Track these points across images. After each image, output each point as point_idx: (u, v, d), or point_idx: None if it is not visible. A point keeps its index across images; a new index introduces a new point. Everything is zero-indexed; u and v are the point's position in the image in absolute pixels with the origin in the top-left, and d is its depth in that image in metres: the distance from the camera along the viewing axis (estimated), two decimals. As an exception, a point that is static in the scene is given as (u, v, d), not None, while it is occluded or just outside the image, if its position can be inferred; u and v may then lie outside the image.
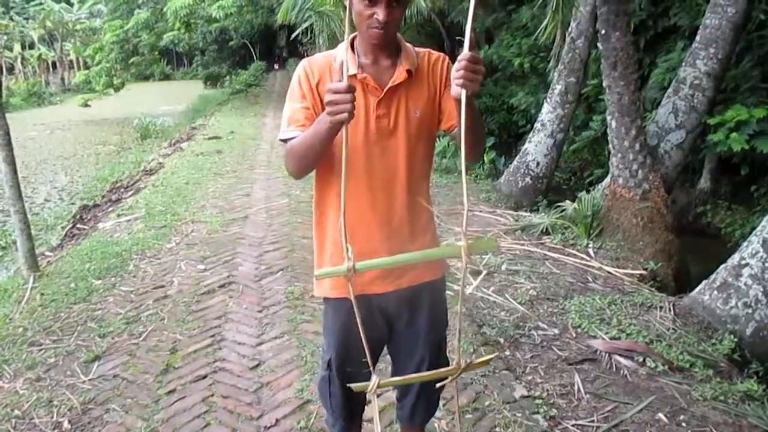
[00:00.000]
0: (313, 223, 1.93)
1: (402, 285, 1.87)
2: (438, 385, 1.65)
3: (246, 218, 6.27)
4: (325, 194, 1.85)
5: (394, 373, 2.09)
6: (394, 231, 1.82)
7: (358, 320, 1.47)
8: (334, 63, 1.79)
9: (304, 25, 13.57)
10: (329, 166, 1.79)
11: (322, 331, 2.01)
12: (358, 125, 1.76)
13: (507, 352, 3.50)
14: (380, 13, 1.66)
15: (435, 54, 1.87)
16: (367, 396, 1.59)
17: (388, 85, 1.78)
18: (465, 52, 1.49)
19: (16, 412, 2.95)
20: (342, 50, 1.76)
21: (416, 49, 1.85)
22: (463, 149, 1.49)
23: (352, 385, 1.59)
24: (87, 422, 2.86)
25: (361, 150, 1.77)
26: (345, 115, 1.47)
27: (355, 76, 1.75)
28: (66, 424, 2.85)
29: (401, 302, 1.90)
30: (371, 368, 1.57)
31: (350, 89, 1.48)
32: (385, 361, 2.35)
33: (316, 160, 1.74)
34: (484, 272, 3.14)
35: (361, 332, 1.49)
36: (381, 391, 1.62)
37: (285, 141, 1.78)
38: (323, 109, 1.57)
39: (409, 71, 1.79)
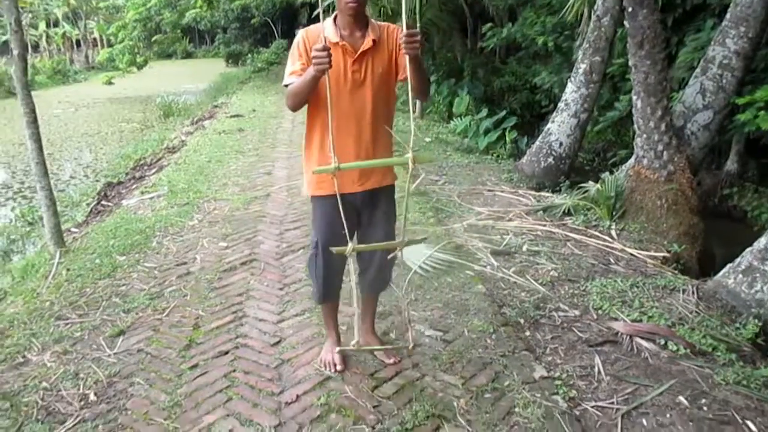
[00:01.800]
0: (303, 143, 2.77)
1: (366, 187, 2.74)
2: (389, 256, 2.72)
3: (267, 196, 6.29)
4: (314, 124, 2.68)
5: (359, 254, 2.87)
6: (362, 148, 2.65)
7: (342, 211, 2.45)
8: (323, 32, 2.48)
9: (326, 3, 13.47)
10: (316, 104, 2.60)
11: (311, 222, 2.75)
12: (339, 77, 2.56)
13: (527, 333, 3.50)
14: None
15: (392, 26, 2.66)
16: (347, 258, 2.54)
17: (360, 50, 2.58)
18: (404, 30, 2.29)
19: (44, 384, 3.02)
20: (329, 23, 2.60)
21: (379, 23, 2.65)
22: (411, 94, 2.42)
23: (334, 249, 2.54)
24: (112, 395, 2.93)
25: (342, 94, 2.58)
26: (325, 66, 2.32)
27: (337, 43, 2.55)
28: (92, 396, 2.92)
29: (366, 200, 2.76)
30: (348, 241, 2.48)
31: (326, 49, 2.32)
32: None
33: (305, 98, 2.57)
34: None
35: (343, 219, 2.44)
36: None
37: (287, 86, 2.57)
38: None
39: (374, 40, 2.58)
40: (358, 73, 2.58)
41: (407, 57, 2.32)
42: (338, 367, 2.99)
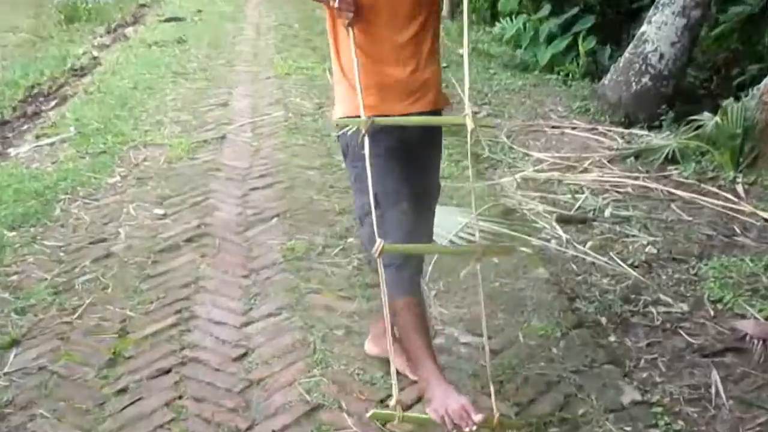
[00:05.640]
0: (331, 54, 2.98)
1: (420, 108, 2.87)
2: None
3: (223, 139, 6.32)
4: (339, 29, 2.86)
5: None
6: (404, 54, 2.84)
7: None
8: None
9: None
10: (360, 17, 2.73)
11: (353, 173, 2.90)
12: None
13: (612, 338, 3.52)
14: None
15: None
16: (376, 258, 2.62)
17: None
18: None
19: None
20: None
21: None
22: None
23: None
24: (5, 433, 2.94)
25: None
26: (350, 15, 2.66)
27: None
28: (-26, 437, 2.94)
29: (418, 128, 2.91)
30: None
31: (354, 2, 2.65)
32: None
33: None
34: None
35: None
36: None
37: None
38: None
39: None
40: None
41: None
42: (477, 418, 2.56)
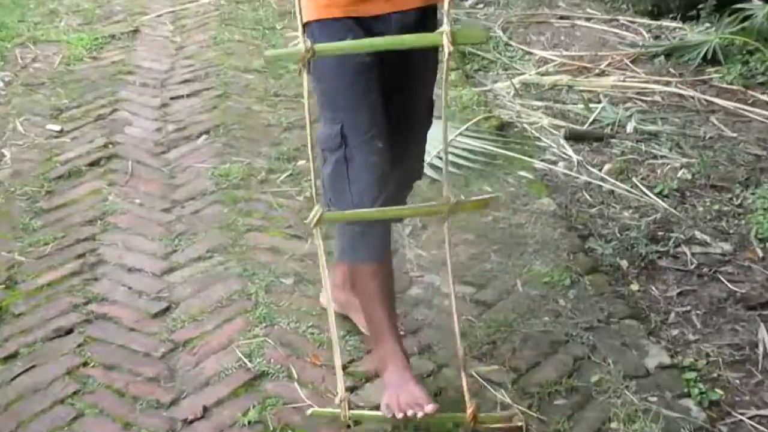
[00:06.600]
0: None
1: (405, 5, 2.57)
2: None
3: (135, 34, 6.25)
4: None
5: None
6: None
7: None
8: None
9: None
10: None
11: (317, 91, 2.64)
12: None
13: (634, 286, 3.49)
14: None
15: None
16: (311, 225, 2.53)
17: None
18: None
19: None
20: None
21: None
22: None
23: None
24: None
25: None
26: None
27: None
28: None
29: (405, 30, 2.57)
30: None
31: None
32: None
33: None
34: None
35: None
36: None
37: None
38: None
39: None
40: None
41: None
42: (428, 408, 2.59)
